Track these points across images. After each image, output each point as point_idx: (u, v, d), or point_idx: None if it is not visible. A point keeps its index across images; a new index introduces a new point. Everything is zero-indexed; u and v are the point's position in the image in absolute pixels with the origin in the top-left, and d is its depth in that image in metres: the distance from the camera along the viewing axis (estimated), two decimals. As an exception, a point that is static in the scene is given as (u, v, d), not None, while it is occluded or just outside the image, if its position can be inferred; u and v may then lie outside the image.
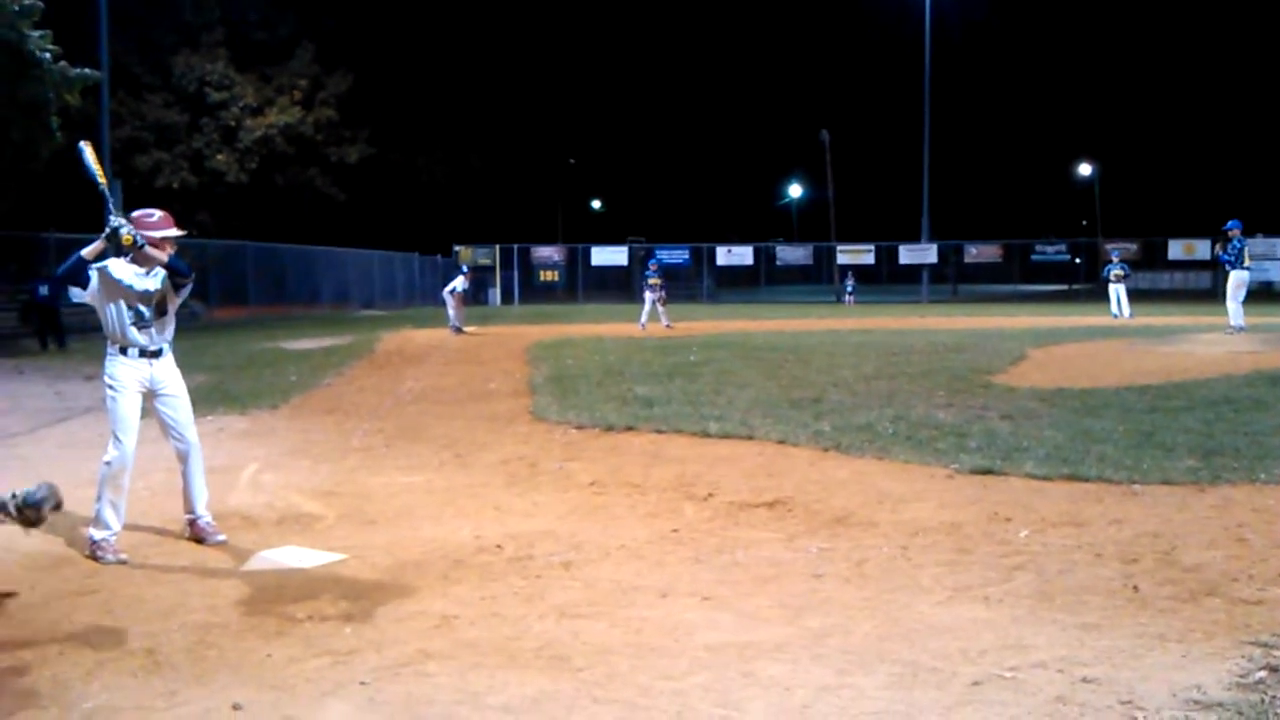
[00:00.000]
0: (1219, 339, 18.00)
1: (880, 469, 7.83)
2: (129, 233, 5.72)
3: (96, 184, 5.94)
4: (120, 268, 5.92)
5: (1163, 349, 16.71)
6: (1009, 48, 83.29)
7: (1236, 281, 19.38)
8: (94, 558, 5.74)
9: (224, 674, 4.10)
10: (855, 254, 51.22)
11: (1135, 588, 4.96)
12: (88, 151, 6.04)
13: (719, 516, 6.62)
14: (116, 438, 5.91)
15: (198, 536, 6.19)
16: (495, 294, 50.25)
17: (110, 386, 5.97)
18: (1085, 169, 69.13)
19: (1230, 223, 19.81)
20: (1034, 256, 52.76)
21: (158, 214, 6.13)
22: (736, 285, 55.52)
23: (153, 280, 5.98)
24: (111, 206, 5.83)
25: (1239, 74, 75.69)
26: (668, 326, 25.33)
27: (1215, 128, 77.61)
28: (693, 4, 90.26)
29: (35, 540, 6.11)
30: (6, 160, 23.82)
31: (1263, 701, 3.64)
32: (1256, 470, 7.24)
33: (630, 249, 52.63)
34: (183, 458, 6.23)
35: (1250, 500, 6.55)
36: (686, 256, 51.91)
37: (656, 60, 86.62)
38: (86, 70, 24.30)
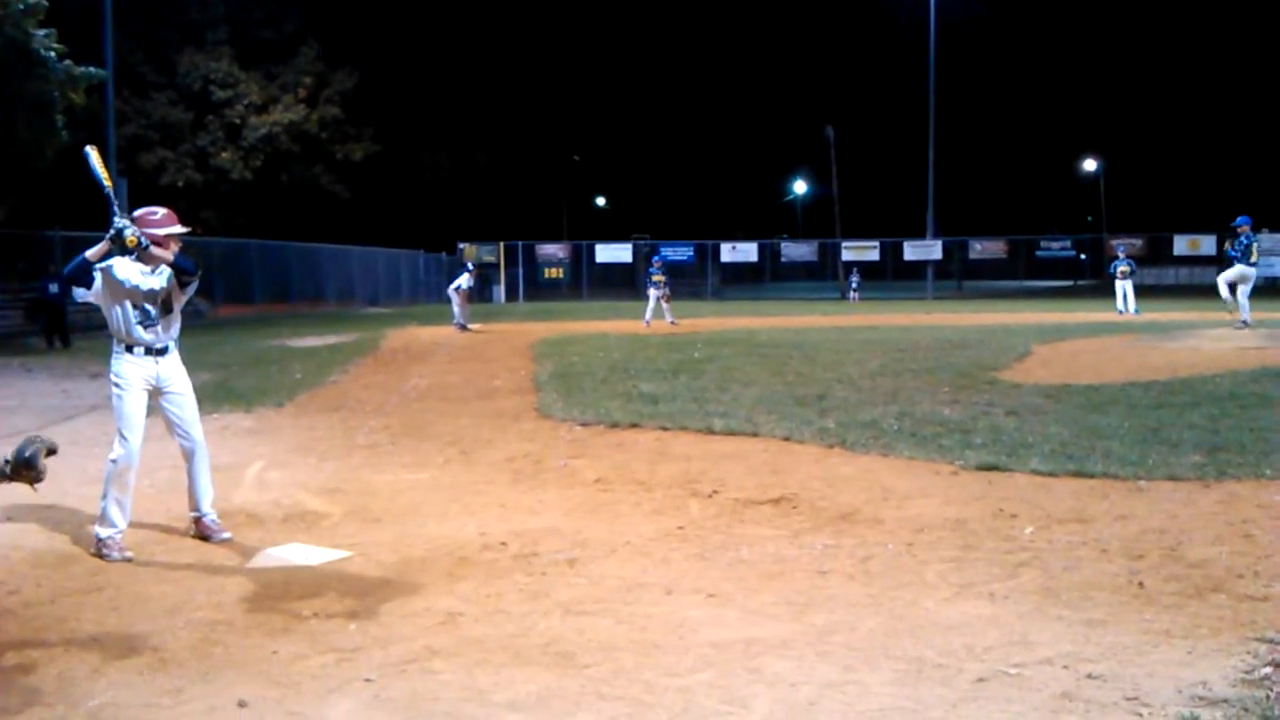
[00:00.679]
0: (1225, 334, 17.94)
1: (885, 466, 7.82)
2: (133, 234, 5.72)
3: (102, 186, 5.96)
4: (124, 267, 5.93)
5: (1168, 345, 16.68)
6: (1013, 43, 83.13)
7: (1240, 275, 19.23)
8: (100, 555, 5.75)
9: (229, 671, 4.11)
10: (860, 250, 51.19)
11: (1140, 584, 4.96)
12: (93, 155, 6.06)
13: (724, 513, 6.62)
14: (122, 435, 5.92)
15: (203, 534, 6.20)
16: (500, 291, 50.27)
17: (116, 384, 5.98)
18: (1090, 165, 69.09)
19: (1239, 219, 19.71)
20: (1039, 252, 52.69)
21: (161, 211, 6.14)
22: (741, 282, 55.54)
23: (158, 279, 5.98)
24: (116, 208, 5.83)
25: (1244, 69, 75.53)
26: (672, 323, 25.32)
27: (1220, 123, 77.48)
28: (697, 1, 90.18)
29: (41, 538, 6.14)
30: (12, 159, 23.85)
31: (1268, 698, 3.63)
32: (1262, 466, 7.23)
33: (635, 246, 52.61)
34: (188, 455, 6.23)
35: (1256, 496, 6.54)
36: (691, 253, 51.88)
37: (661, 57, 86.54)
38: (91, 69, 24.35)
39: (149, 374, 6.01)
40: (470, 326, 25.13)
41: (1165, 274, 48.46)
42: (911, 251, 49.88)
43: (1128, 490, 6.79)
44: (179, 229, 6.09)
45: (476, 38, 60.30)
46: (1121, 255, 29.86)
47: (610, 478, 7.70)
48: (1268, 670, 3.88)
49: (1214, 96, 78.84)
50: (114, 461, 5.90)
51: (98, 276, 5.88)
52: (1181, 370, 12.93)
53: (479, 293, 49.36)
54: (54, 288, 21.89)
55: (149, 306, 5.98)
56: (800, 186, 76.85)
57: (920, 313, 32.60)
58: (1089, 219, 73.32)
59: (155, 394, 6.09)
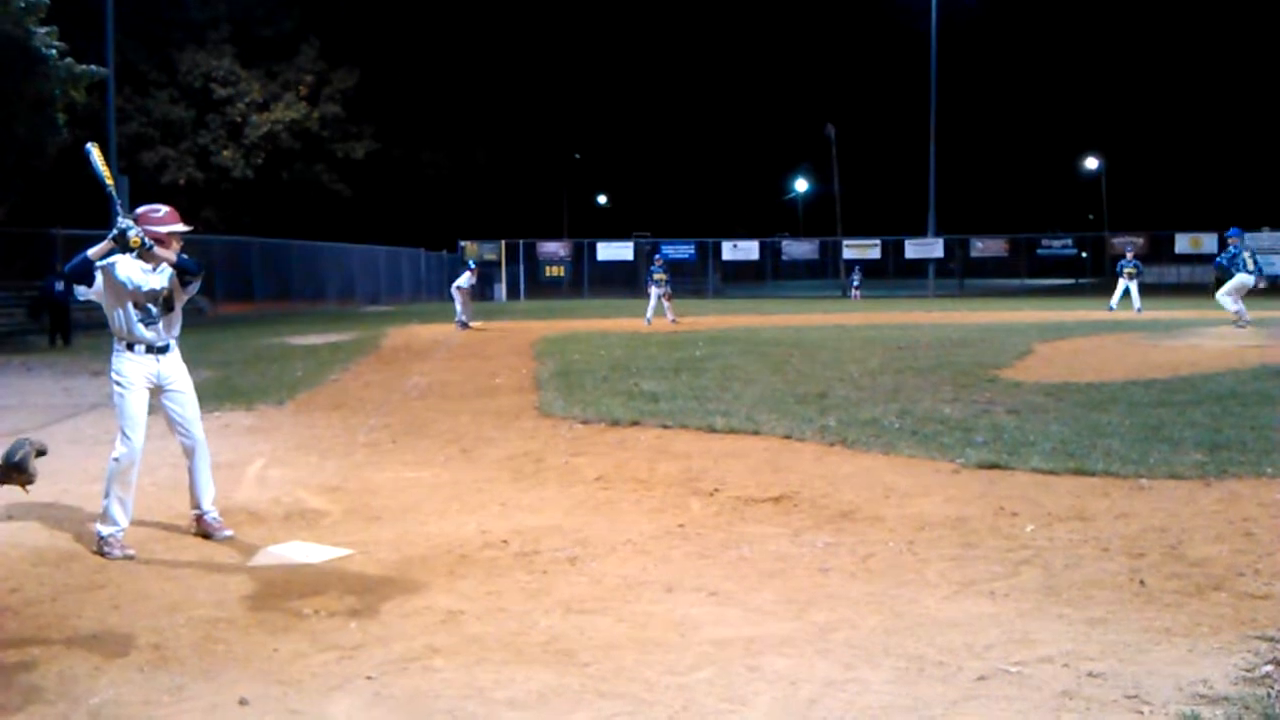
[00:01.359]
0: (1227, 333, 17.94)
1: (886, 464, 7.82)
2: (136, 234, 5.72)
3: (104, 185, 5.96)
4: (126, 266, 5.93)
5: (1169, 343, 16.69)
6: (1015, 42, 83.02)
7: (1240, 285, 19.21)
8: (101, 553, 5.76)
9: (231, 669, 4.11)
10: (861, 249, 51.20)
11: (1141, 582, 4.95)
12: (95, 153, 6.06)
13: (725, 511, 6.62)
14: (124, 434, 5.92)
15: (204, 531, 6.21)
16: (501, 289, 50.30)
17: (117, 383, 5.98)
18: (1092, 163, 69.03)
19: (1231, 230, 19.78)
20: (1040, 251, 52.69)
21: (164, 209, 6.14)
22: (742, 280, 55.53)
23: (159, 277, 5.98)
24: (120, 207, 5.83)
25: (1246, 68, 75.46)
26: (673, 321, 25.32)
27: (1222, 122, 77.41)
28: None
29: (42, 536, 6.15)
30: (13, 157, 23.88)
31: (1269, 696, 3.63)
32: (1263, 464, 7.22)
33: (636, 244, 52.64)
34: (189, 453, 6.24)
35: (1257, 494, 6.53)
36: (692, 251, 51.89)
37: (662, 55, 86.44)
38: (92, 66, 24.37)
39: (150, 372, 6.01)
40: (472, 324, 25.09)
41: (1167, 272, 48.43)
42: (913, 250, 49.88)
43: (1129, 488, 6.79)
44: (181, 227, 6.10)
45: (477, 35, 60.33)
46: (1129, 256, 29.93)
47: (611, 476, 7.70)
48: (1269, 668, 3.88)
49: (1215, 95, 78.83)
50: (116, 460, 5.90)
51: (99, 275, 5.88)
52: (1183, 368, 12.94)
53: (480, 291, 49.49)
54: (59, 286, 21.90)
55: (151, 305, 5.99)
56: (801, 184, 76.87)
57: (921, 311, 32.60)
58: (1090, 217, 73.29)
59: (156, 392, 6.09)
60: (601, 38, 75.21)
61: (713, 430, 9.25)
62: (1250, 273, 19.26)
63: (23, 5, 21.66)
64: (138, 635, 4.49)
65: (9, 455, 4.84)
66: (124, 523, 5.87)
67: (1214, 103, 78.60)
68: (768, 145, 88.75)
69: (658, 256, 29.43)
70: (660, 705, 3.71)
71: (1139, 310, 27.32)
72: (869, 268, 50.04)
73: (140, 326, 5.97)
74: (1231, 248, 19.40)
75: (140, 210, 6.09)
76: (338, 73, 46.46)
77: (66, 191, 33.94)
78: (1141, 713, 3.56)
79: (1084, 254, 53.79)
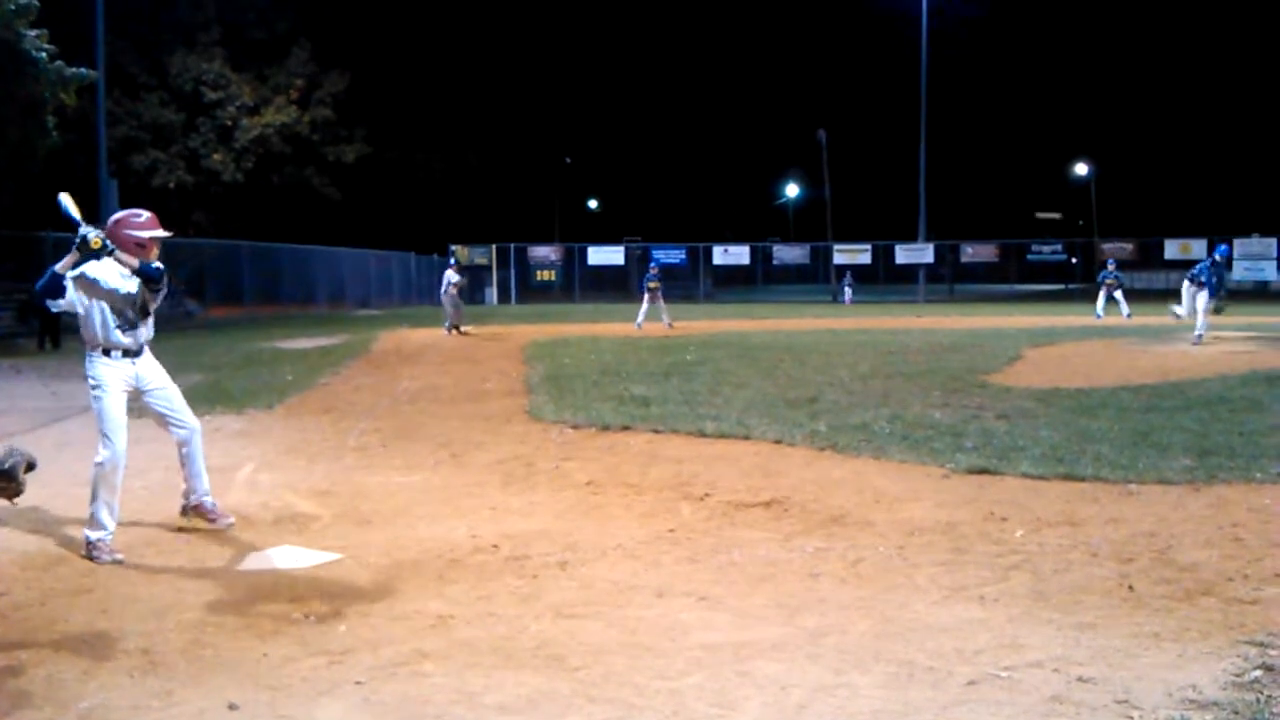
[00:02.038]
0: (1213, 339, 17.96)
1: (876, 469, 7.83)
2: (95, 236, 5.74)
3: (75, 222, 5.86)
4: (102, 270, 5.90)
5: (1158, 349, 16.74)
6: (1006, 47, 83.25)
7: (1215, 305, 18.59)
8: (90, 558, 5.74)
9: (220, 674, 4.10)
10: (852, 254, 51.25)
11: (1131, 587, 4.97)
12: (66, 201, 6.01)
13: (715, 516, 6.62)
14: (106, 437, 5.92)
15: (206, 517, 6.25)
16: (492, 293, 50.26)
17: (95, 387, 5.98)
18: (1081, 169, 69.18)
19: (1220, 249, 19.49)
20: (1030, 256, 52.84)
21: (145, 214, 6.14)
22: (733, 285, 55.57)
23: (134, 282, 5.97)
24: (80, 221, 5.81)
25: (1236, 74, 75.81)
26: (669, 325, 25.31)
27: (1212, 128, 77.71)
28: (689, 2, 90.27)
29: (30, 540, 6.12)
30: (3, 159, 23.80)
31: (1258, 701, 3.64)
32: (1252, 470, 7.25)
33: (627, 249, 52.65)
34: (186, 442, 6.29)
35: (1245, 499, 6.56)
36: (683, 256, 51.89)
37: (653, 59, 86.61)
38: (82, 69, 24.30)
39: (127, 375, 6.03)
40: (463, 329, 24.67)
41: (1156, 278, 48.51)
42: (903, 255, 49.95)
43: (1118, 494, 6.81)
44: (161, 233, 6.10)
45: (468, 39, 60.32)
46: (1110, 268, 30.11)
47: (601, 480, 7.70)
48: (1258, 673, 3.89)
49: (1206, 101, 79.14)
50: (100, 464, 5.89)
51: (69, 285, 5.86)
52: (1171, 374, 12.99)
53: (470, 295, 49.43)
54: None
55: (128, 310, 5.98)
56: (792, 189, 77.05)
57: (911, 316, 32.64)
58: (1080, 223, 73.43)
59: (136, 395, 6.09)
60: (593, 42, 75.34)
61: (703, 435, 9.25)
62: (1218, 295, 18.69)
63: (12, 8, 21.59)
64: (126, 639, 4.48)
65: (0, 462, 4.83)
66: (111, 527, 5.85)
67: (1204, 109, 78.98)
68: (759, 150, 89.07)
69: (653, 264, 29.44)
70: (650, 710, 3.71)
71: (1127, 316, 27.43)
72: (859, 273, 50.09)
73: (117, 333, 5.98)
74: (1218, 267, 18.85)
75: (122, 214, 6.09)
76: (329, 76, 46.37)
77: (56, 194, 33.84)
78: (1131, 717, 3.57)
79: (1074, 260, 53.88)
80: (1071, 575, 5.20)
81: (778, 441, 8.88)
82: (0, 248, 26.84)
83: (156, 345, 6.41)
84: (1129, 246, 48.08)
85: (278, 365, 16.56)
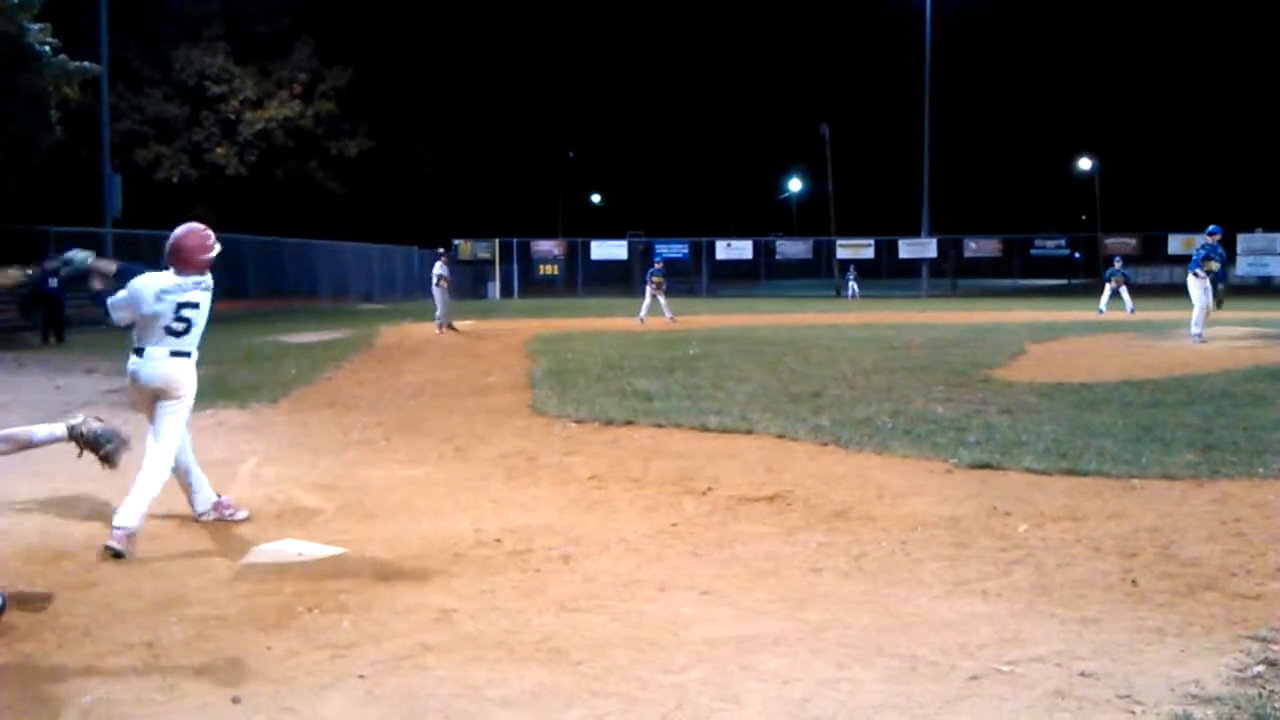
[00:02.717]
0: (1218, 333, 17.92)
1: (879, 463, 7.83)
2: (80, 255, 6.08)
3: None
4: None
5: (1162, 344, 16.73)
6: (1009, 42, 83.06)
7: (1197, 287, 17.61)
8: (117, 552, 5.72)
9: (223, 667, 4.10)
10: (855, 248, 51.23)
11: (1134, 582, 4.96)
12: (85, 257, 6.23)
13: (718, 511, 6.62)
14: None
15: (224, 515, 6.39)
16: (495, 288, 50.28)
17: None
18: (1085, 163, 69.07)
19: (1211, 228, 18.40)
20: (1033, 251, 52.84)
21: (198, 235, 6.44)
22: (736, 279, 55.59)
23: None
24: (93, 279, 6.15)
25: (1239, 68, 75.61)
26: (671, 319, 25.30)
27: (1215, 122, 77.51)
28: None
29: (34, 534, 6.12)
30: (6, 153, 23.81)
31: (1260, 696, 3.64)
32: (1255, 465, 7.24)
33: (630, 243, 52.65)
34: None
35: (1249, 495, 6.55)
36: (686, 250, 51.90)
37: (656, 53, 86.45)
38: (86, 63, 24.30)
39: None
40: (455, 325, 23.45)
41: (1160, 273, 48.52)
42: (906, 249, 49.98)
43: (1121, 488, 6.80)
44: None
45: (472, 34, 60.30)
46: (1117, 265, 30.03)
47: (604, 475, 7.70)
48: (1260, 668, 3.89)
49: (1209, 96, 78.94)
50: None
51: (118, 301, 6.01)
52: (1175, 369, 12.98)
53: (473, 289, 49.42)
54: (53, 282, 21.81)
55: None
56: (795, 184, 76.82)
57: (914, 311, 32.62)
58: (1083, 218, 73.36)
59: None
60: (596, 37, 75.24)
61: (706, 429, 9.26)
62: (1200, 274, 17.63)
63: (16, 2, 21.59)
64: (130, 633, 4.48)
65: (99, 438, 5.03)
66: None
67: (1208, 104, 78.77)
68: (762, 144, 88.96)
69: (657, 259, 29.44)
70: (653, 704, 3.71)
71: (1130, 311, 27.40)
72: (862, 267, 50.06)
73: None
74: (1200, 247, 18.06)
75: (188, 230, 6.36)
76: (332, 70, 46.38)
77: (60, 188, 33.90)
78: (1133, 712, 3.57)
79: (1077, 255, 53.87)
80: (1074, 570, 5.20)
81: (780, 436, 8.89)
82: (3, 241, 26.88)
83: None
84: (1132, 241, 48.03)
85: (281, 359, 16.58)
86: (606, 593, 5.00)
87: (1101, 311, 27.81)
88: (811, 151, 62.62)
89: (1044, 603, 4.72)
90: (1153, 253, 48.90)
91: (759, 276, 56.12)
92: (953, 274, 54.84)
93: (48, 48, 22.79)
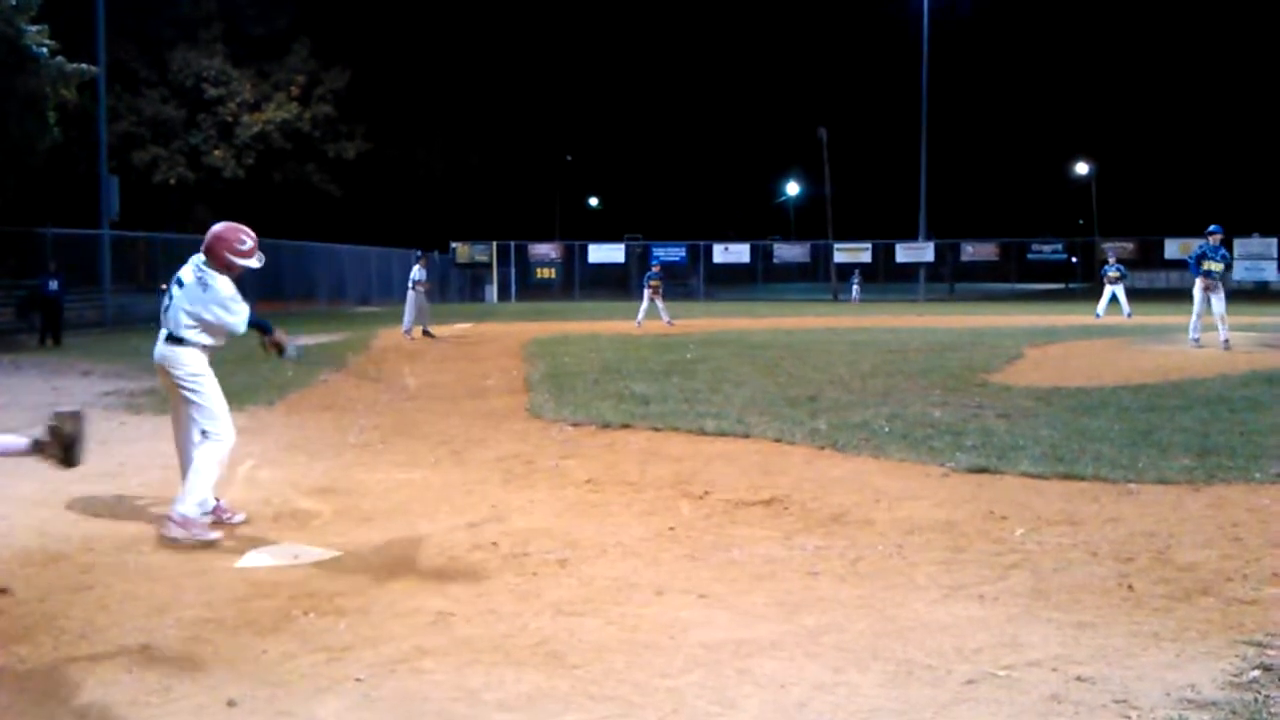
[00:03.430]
0: (1213, 338, 17.86)
1: (876, 467, 7.83)
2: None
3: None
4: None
5: (1159, 348, 16.72)
6: (1006, 46, 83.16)
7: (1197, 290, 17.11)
8: (174, 539, 5.90)
9: (219, 670, 4.10)
10: (852, 252, 51.23)
11: (1130, 586, 4.97)
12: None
13: (715, 514, 6.62)
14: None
15: (221, 519, 6.39)
16: (492, 291, 50.25)
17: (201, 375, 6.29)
18: (1082, 168, 69.14)
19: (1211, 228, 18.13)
20: (1030, 255, 52.80)
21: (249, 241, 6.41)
22: (733, 283, 55.53)
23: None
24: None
25: (1236, 73, 75.77)
26: (669, 323, 25.30)
27: (1212, 127, 77.67)
28: (690, 1, 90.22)
29: (30, 536, 6.11)
30: (3, 155, 23.79)
31: (1256, 700, 3.64)
32: (1252, 470, 7.25)
33: (627, 246, 52.63)
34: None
35: (1245, 500, 6.56)
36: (683, 254, 51.87)
37: (654, 57, 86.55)
38: (83, 65, 24.30)
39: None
40: (431, 331, 22.72)
41: (1157, 278, 48.53)
42: (903, 253, 49.94)
43: (1118, 493, 6.81)
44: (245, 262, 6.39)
45: (470, 36, 60.30)
46: (1111, 260, 29.96)
47: (601, 478, 7.70)
48: (1256, 673, 3.89)
49: (1206, 100, 79.09)
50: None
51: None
52: (1172, 373, 12.98)
53: (470, 292, 49.41)
54: (53, 285, 21.81)
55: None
56: (793, 188, 76.87)
57: (912, 314, 32.64)
58: (1080, 222, 73.40)
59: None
60: (594, 40, 75.29)
61: (703, 433, 9.26)
62: (1199, 273, 17.51)
63: (13, 3, 21.59)
64: (125, 636, 4.48)
65: (70, 438, 5.00)
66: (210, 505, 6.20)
67: (1205, 108, 78.93)
68: (759, 148, 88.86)
69: (654, 262, 29.39)
70: (650, 708, 3.72)
71: (1128, 315, 27.34)
72: (859, 271, 50.09)
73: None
74: (1196, 248, 17.71)
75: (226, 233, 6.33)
76: (329, 73, 46.34)
77: (57, 190, 33.85)
78: (1129, 717, 3.57)
79: (1074, 259, 53.87)
80: (1071, 574, 5.20)
81: (777, 440, 8.89)
82: (1, 243, 26.87)
83: (153, 342, 6.44)
84: (1130, 245, 48.02)
85: (278, 362, 16.55)
86: (603, 596, 5.00)
87: (1099, 316, 27.78)
88: (809, 155, 62.62)
89: (1040, 607, 4.73)
90: (1150, 257, 48.90)
91: (756, 280, 56.04)
92: (950, 278, 54.82)
93: (45, 49, 22.78)
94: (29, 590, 5.16)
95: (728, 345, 18.83)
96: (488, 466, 8.32)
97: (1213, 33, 75.97)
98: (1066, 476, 7.21)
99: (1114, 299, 28.35)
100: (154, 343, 6.41)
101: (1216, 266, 17.00)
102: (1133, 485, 6.96)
